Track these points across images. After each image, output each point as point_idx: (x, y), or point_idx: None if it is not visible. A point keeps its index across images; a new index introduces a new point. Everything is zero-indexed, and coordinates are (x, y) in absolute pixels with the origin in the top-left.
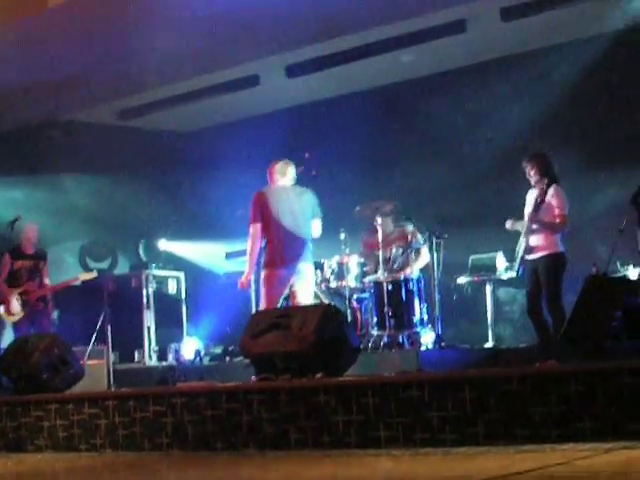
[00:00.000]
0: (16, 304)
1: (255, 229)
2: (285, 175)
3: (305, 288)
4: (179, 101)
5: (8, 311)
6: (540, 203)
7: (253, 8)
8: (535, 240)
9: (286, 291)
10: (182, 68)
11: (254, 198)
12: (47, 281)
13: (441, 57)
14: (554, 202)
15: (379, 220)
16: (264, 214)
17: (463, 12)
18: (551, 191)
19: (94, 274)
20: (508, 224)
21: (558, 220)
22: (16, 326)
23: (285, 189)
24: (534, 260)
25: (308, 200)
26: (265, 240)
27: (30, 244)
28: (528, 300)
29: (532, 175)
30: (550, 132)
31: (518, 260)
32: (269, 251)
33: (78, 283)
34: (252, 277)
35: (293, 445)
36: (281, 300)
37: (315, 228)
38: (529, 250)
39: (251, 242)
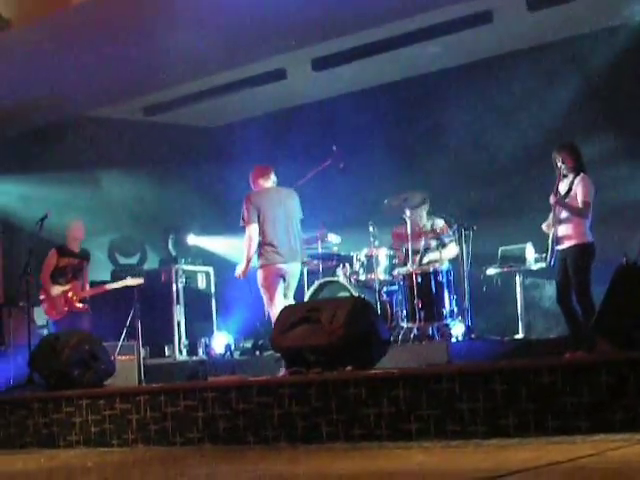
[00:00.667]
0: (61, 302)
1: (251, 230)
2: (269, 179)
3: (293, 287)
4: (206, 96)
5: (51, 309)
6: (568, 192)
7: (279, 1)
8: (563, 230)
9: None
10: (208, 63)
11: (247, 200)
12: (88, 282)
13: (468, 48)
14: (579, 190)
15: (408, 212)
16: (259, 215)
17: (490, 3)
18: (577, 180)
19: (140, 280)
20: (544, 226)
21: (581, 206)
22: (57, 325)
23: (276, 190)
24: (563, 250)
25: (296, 201)
26: (260, 241)
27: (76, 242)
28: (558, 290)
29: (561, 165)
30: (580, 121)
31: (549, 251)
32: (265, 251)
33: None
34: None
35: (324, 438)
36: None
37: None
38: (558, 240)
39: (248, 243)
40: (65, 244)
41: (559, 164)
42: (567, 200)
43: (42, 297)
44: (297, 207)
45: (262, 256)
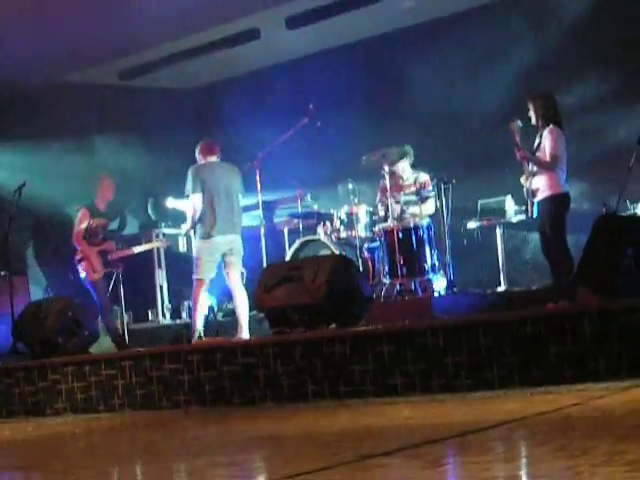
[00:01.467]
0: (98, 262)
1: (195, 199)
2: (214, 154)
3: (237, 259)
4: (181, 58)
5: (91, 269)
6: (539, 144)
7: None
8: (536, 182)
9: (219, 260)
10: (181, 25)
11: (192, 171)
12: None
13: (442, 2)
14: (547, 142)
15: (386, 168)
16: (202, 187)
17: None
18: (546, 132)
19: (168, 242)
20: (522, 179)
21: (549, 159)
22: (95, 286)
23: (219, 165)
24: (539, 202)
25: (238, 176)
26: (201, 211)
27: (106, 201)
28: (541, 241)
29: (532, 116)
30: (555, 73)
31: (529, 204)
32: (205, 222)
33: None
34: (262, 231)
35: (310, 397)
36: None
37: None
38: (533, 193)
39: (193, 211)
40: (94, 203)
41: (530, 114)
42: (538, 153)
43: (78, 257)
44: (239, 183)
45: (202, 227)
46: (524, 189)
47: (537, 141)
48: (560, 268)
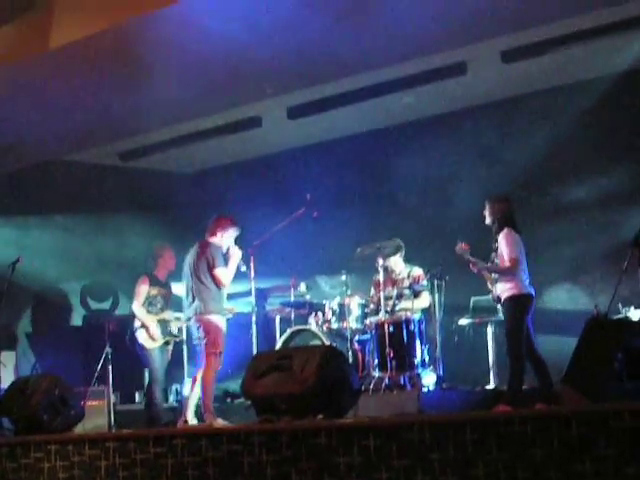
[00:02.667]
0: (157, 331)
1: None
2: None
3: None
4: (182, 142)
5: (149, 337)
6: (495, 250)
7: (254, 51)
8: (499, 287)
9: None
10: (184, 110)
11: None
12: None
13: (442, 99)
14: (503, 247)
15: (380, 261)
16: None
17: (464, 54)
18: (501, 236)
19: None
20: (489, 284)
21: (508, 263)
22: (150, 355)
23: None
24: (502, 304)
25: (194, 255)
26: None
27: (167, 271)
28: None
29: (488, 218)
30: (551, 173)
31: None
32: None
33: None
34: (254, 318)
35: None
36: None
37: None
38: (498, 298)
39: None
40: (154, 272)
41: (486, 214)
42: (497, 258)
43: (137, 325)
44: (194, 261)
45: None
46: (490, 295)
47: (495, 245)
48: (511, 369)
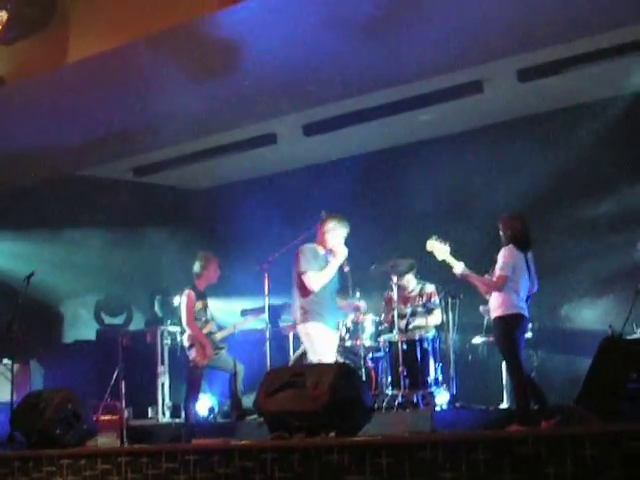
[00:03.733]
0: (210, 347)
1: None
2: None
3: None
4: (196, 158)
5: (203, 354)
6: (494, 263)
7: (270, 68)
8: (490, 302)
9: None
10: (199, 126)
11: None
12: None
13: (458, 117)
14: (498, 262)
15: (395, 279)
16: None
17: (480, 73)
18: (501, 252)
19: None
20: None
21: (495, 279)
22: (197, 371)
23: None
24: (492, 322)
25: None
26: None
27: (209, 283)
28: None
29: (501, 236)
30: (568, 192)
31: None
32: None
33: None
34: (267, 334)
35: None
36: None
37: None
38: (488, 312)
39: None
40: (195, 284)
41: (500, 234)
42: (492, 274)
43: (188, 344)
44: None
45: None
46: (480, 308)
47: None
48: (515, 389)
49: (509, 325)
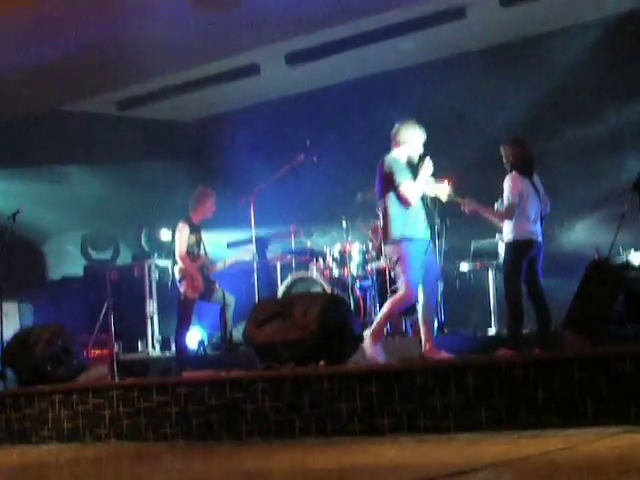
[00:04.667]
0: (200, 280)
1: None
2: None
3: None
4: (180, 90)
5: (193, 287)
6: (502, 192)
7: None
8: (503, 230)
9: None
10: (181, 58)
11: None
12: None
13: (440, 44)
14: (505, 191)
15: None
16: None
17: None
18: (506, 180)
19: (251, 254)
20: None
21: (504, 209)
22: (188, 303)
23: None
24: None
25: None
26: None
27: (204, 217)
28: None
29: (504, 162)
30: (551, 118)
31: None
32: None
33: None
34: (255, 266)
35: (297, 433)
36: None
37: None
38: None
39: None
40: (190, 217)
41: (503, 159)
42: (501, 202)
43: (179, 275)
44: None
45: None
46: (497, 236)
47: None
48: (509, 314)
49: (516, 251)
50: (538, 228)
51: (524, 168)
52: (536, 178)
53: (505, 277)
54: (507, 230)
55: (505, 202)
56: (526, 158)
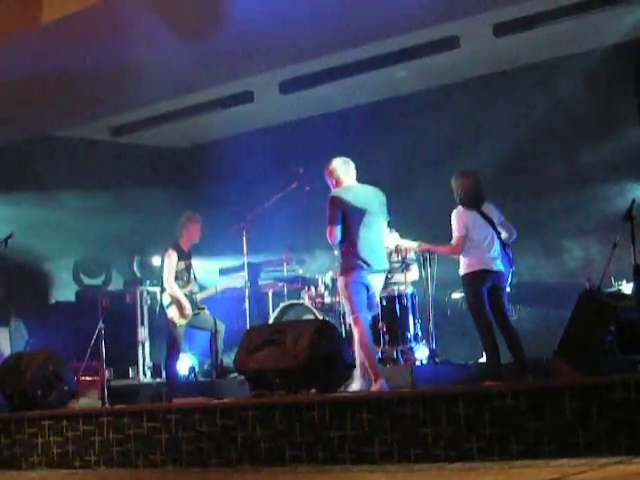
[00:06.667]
0: (188, 306)
1: None
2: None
3: None
4: (173, 117)
5: (181, 313)
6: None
7: (246, 26)
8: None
9: None
10: (175, 85)
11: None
12: None
13: (435, 73)
14: (452, 226)
15: None
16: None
17: (456, 28)
18: (452, 215)
19: (242, 281)
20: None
21: (453, 243)
22: (176, 330)
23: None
24: None
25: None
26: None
27: (192, 242)
28: None
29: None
30: (544, 146)
31: None
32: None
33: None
34: (247, 293)
35: (288, 461)
36: None
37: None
38: None
39: None
40: (179, 243)
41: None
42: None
43: (167, 302)
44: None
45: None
46: None
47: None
48: (483, 346)
49: (470, 283)
50: (495, 257)
51: (470, 201)
52: (489, 207)
53: (470, 310)
54: (460, 264)
55: (453, 236)
56: (472, 190)
